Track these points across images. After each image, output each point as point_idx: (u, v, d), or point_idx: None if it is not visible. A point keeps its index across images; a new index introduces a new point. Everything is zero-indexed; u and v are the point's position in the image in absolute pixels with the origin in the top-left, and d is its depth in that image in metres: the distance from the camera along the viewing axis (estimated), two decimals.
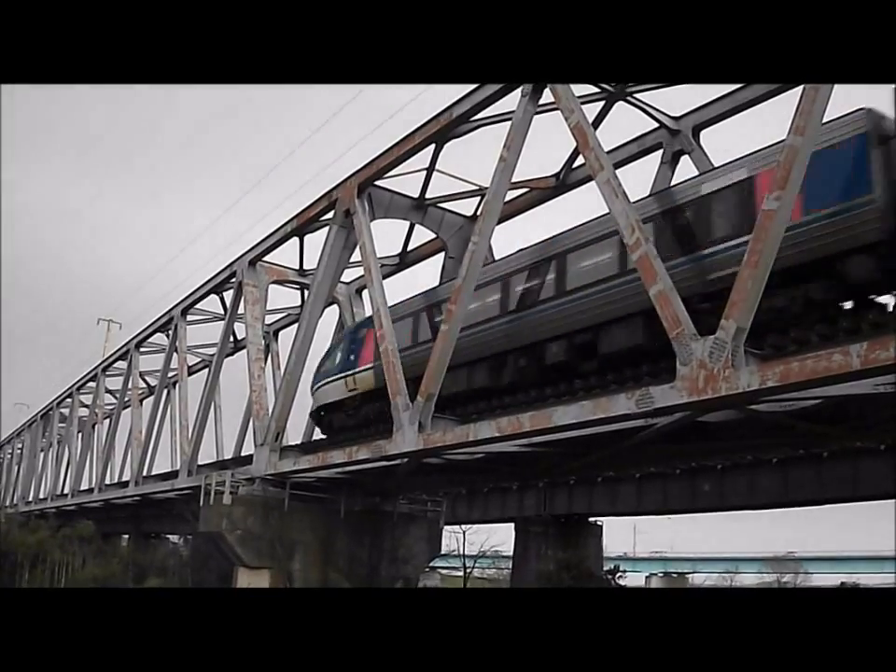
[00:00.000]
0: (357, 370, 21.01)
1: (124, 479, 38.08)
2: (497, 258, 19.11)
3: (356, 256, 20.99)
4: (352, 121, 37.28)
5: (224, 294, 29.52)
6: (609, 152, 14.86)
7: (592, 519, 34.12)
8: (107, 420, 44.71)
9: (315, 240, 23.19)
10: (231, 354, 32.76)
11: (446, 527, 26.02)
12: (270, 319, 32.46)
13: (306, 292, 25.16)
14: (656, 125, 18.33)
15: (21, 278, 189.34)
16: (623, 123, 18.78)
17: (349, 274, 26.40)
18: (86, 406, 48.15)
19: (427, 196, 21.54)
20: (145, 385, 44.56)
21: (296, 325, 23.45)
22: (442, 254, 23.06)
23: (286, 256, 25.85)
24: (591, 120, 14.72)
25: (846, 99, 10.65)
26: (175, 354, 31.88)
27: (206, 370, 35.65)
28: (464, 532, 34.82)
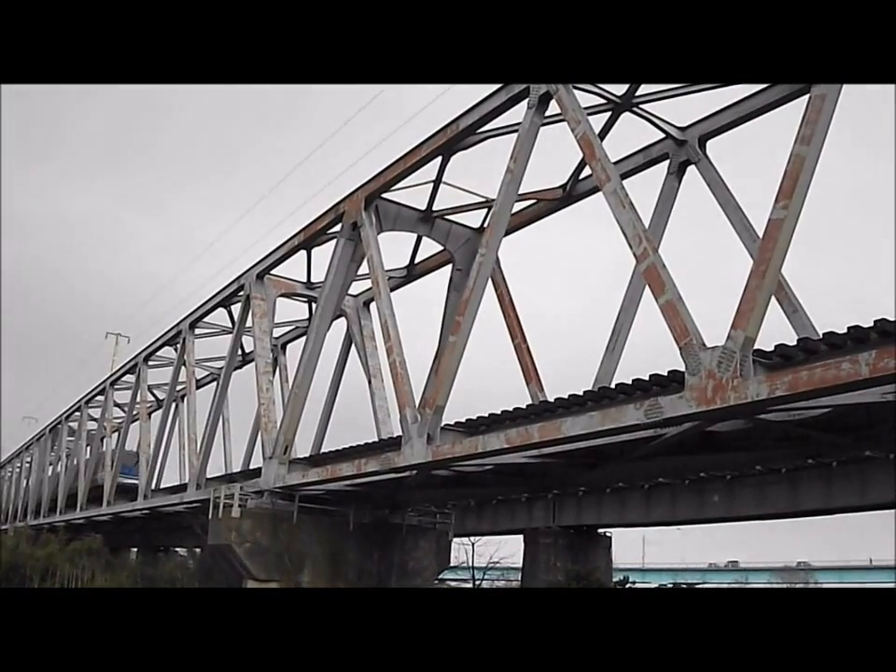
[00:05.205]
0: None
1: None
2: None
3: (363, 268, 21.08)
4: (361, 134, 37.45)
5: (232, 307, 29.59)
6: (615, 163, 14.94)
7: (601, 530, 34.01)
8: (115, 434, 44.77)
9: (323, 253, 23.30)
10: (240, 367, 32.80)
11: (455, 539, 25.98)
12: (278, 332, 32.50)
13: (314, 305, 25.22)
14: (662, 136, 18.35)
15: (28, 291, 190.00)
16: (630, 134, 18.83)
17: (357, 287, 26.49)
18: (94, 420, 48.22)
19: (435, 208, 21.58)
20: (153, 399, 44.63)
21: (304, 338, 23.50)
22: (450, 266, 23.11)
23: (293, 269, 26.00)
24: (597, 131, 14.77)
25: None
26: (183, 367, 31.95)
27: (214, 383, 35.73)
28: (473, 544, 34.85)
